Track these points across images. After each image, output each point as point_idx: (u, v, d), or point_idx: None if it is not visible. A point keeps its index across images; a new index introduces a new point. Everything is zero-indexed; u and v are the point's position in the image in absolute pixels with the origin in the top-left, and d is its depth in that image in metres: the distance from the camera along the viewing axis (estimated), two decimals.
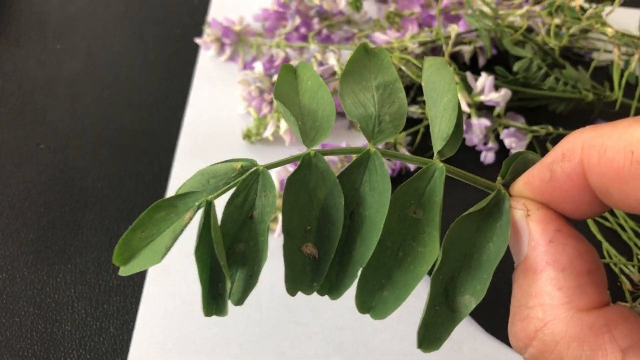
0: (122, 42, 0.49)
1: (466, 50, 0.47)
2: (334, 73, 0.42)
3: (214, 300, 0.23)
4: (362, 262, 0.24)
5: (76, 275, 0.36)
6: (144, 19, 0.51)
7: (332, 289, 0.24)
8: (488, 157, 0.43)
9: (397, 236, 0.24)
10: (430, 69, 0.27)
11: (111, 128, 0.43)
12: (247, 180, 0.24)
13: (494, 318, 0.35)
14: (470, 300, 0.23)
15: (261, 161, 0.41)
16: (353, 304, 0.23)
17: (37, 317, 0.34)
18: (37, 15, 0.50)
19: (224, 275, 0.23)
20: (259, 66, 0.44)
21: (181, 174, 0.40)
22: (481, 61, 0.48)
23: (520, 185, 0.24)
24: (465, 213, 0.24)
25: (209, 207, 0.23)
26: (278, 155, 0.41)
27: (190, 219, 0.23)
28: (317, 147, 0.25)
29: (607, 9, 0.46)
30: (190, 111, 0.44)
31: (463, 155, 0.43)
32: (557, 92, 0.44)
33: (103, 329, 0.34)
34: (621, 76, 0.45)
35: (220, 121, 0.44)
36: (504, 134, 0.41)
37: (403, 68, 0.42)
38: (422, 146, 0.43)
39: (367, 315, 0.24)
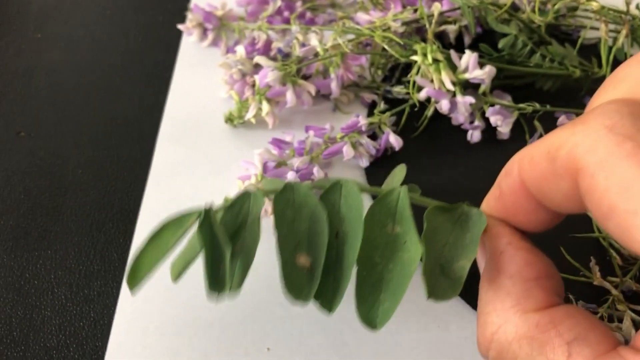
0: (104, 30, 0.48)
1: (451, 29, 0.46)
2: (317, 54, 0.41)
3: (216, 282, 0.27)
4: (351, 264, 0.27)
5: (56, 261, 0.35)
6: (126, 7, 0.50)
7: (330, 299, 0.28)
8: (474, 136, 0.42)
9: (384, 251, 0.28)
10: None
11: (92, 115, 0.43)
12: (241, 198, 0.29)
13: None
14: (465, 264, 0.26)
15: (244, 147, 0.41)
16: None
17: (17, 303, 0.33)
18: (18, 5, 0.49)
19: (224, 259, 0.27)
20: (240, 49, 0.43)
21: (163, 159, 0.40)
22: (467, 40, 0.47)
23: (483, 204, 0.28)
24: (435, 205, 0.28)
25: (209, 210, 0.28)
26: (261, 139, 0.41)
27: (192, 224, 0.28)
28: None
29: None
30: (172, 97, 0.44)
31: (449, 135, 0.43)
32: (544, 68, 0.44)
33: (83, 314, 0.33)
34: (609, 52, 0.45)
35: (202, 106, 0.43)
36: (489, 112, 0.41)
37: (386, 47, 0.41)
38: (407, 126, 0.42)
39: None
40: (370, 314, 0.27)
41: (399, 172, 0.37)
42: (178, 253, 0.29)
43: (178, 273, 0.29)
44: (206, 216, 0.28)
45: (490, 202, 0.27)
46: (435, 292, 0.25)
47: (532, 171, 0.24)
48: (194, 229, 0.28)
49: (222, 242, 0.27)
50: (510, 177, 0.25)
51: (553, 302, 0.24)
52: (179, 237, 0.28)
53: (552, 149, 0.22)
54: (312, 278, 0.28)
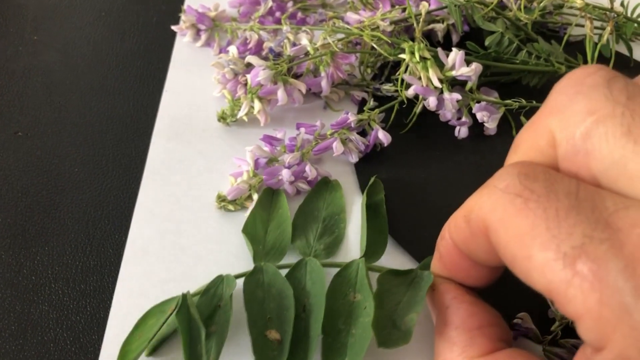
0: (99, 32, 0.49)
1: (439, 28, 0.47)
2: (307, 53, 0.42)
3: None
4: (317, 334, 0.30)
5: (53, 257, 0.36)
6: (121, 9, 0.51)
7: None
8: (462, 131, 0.43)
9: (347, 318, 0.31)
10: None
11: (88, 115, 0.44)
12: (214, 282, 0.33)
13: None
14: (414, 316, 0.29)
15: (237, 144, 0.42)
16: None
17: (14, 299, 0.34)
18: (15, 7, 0.50)
19: (200, 339, 0.29)
20: (233, 49, 0.44)
21: (157, 157, 0.41)
22: (454, 38, 0.48)
23: (431, 266, 0.30)
24: (388, 270, 0.32)
25: (185, 296, 0.31)
26: (253, 136, 0.42)
27: (172, 311, 0.31)
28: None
29: None
30: (166, 96, 0.45)
31: (437, 131, 0.44)
32: (530, 65, 0.45)
33: (80, 308, 0.34)
34: (594, 49, 0.45)
35: (195, 105, 0.44)
36: (476, 108, 0.42)
37: (375, 46, 0.42)
38: (396, 122, 0.43)
39: None
40: None
41: (375, 185, 0.39)
42: (134, 345, 0.31)
43: (153, 348, 0.32)
44: (183, 302, 0.31)
45: (435, 264, 0.30)
46: (387, 342, 0.28)
47: (457, 234, 0.26)
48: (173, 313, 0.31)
49: (198, 324, 0.29)
50: (444, 240, 0.28)
51: (496, 347, 0.26)
52: (161, 323, 0.31)
53: (467, 212, 0.25)
54: (282, 351, 0.30)
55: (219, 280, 0.33)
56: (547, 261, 0.20)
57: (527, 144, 0.25)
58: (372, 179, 0.39)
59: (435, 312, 0.29)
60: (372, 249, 0.35)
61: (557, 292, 0.20)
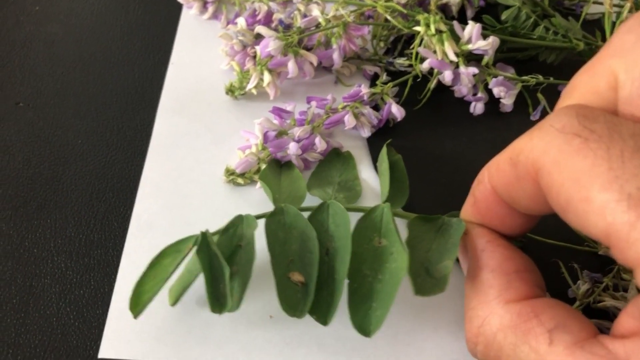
0: (103, 3, 0.48)
1: (453, 2, 0.46)
2: (318, 25, 0.41)
3: (217, 300, 0.28)
4: (342, 278, 0.29)
5: (56, 229, 0.35)
6: None
7: (324, 313, 0.29)
8: (477, 107, 0.42)
9: (372, 264, 0.29)
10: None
11: (92, 86, 0.42)
12: (233, 221, 0.32)
13: None
14: (448, 263, 0.28)
15: (245, 118, 0.41)
16: None
17: (16, 271, 0.33)
18: None
19: (223, 279, 0.28)
20: (241, 20, 0.43)
21: (163, 130, 0.40)
22: (469, 14, 0.47)
23: (461, 212, 0.30)
24: (416, 216, 0.31)
25: (205, 234, 0.30)
26: (262, 110, 0.40)
27: (189, 249, 0.30)
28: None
29: None
30: (172, 69, 0.43)
31: (451, 107, 0.42)
32: (547, 41, 0.43)
33: (83, 282, 0.33)
34: (613, 26, 0.44)
35: (202, 78, 0.43)
36: (492, 83, 0.40)
37: (389, 18, 0.41)
38: (410, 98, 0.42)
39: None
40: (364, 322, 0.28)
41: (384, 150, 0.37)
42: (175, 279, 0.31)
43: (176, 298, 0.31)
44: (203, 239, 0.30)
45: (467, 210, 0.29)
46: (422, 289, 0.27)
47: (499, 177, 0.25)
48: (191, 254, 0.30)
49: (221, 262, 0.29)
50: (482, 185, 0.27)
51: (534, 293, 0.25)
52: (178, 262, 0.30)
53: (514, 155, 0.24)
54: (306, 294, 0.29)
55: (239, 220, 0.32)
56: (608, 202, 0.19)
57: (584, 87, 0.24)
58: (386, 143, 0.37)
59: (466, 257, 0.28)
60: (394, 197, 0.34)
61: (618, 236, 0.19)
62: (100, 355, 0.30)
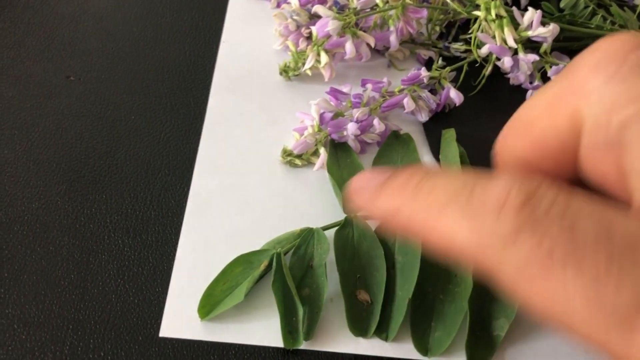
0: None
1: None
2: (374, 7, 0.40)
3: (290, 335, 0.29)
4: (407, 295, 0.29)
5: (111, 205, 0.34)
6: None
7: (386, 330, 0.29)
8: None
9: (435, 282, 0.30)
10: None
11: (142, 62, 0.41)
12: (305, 237, 0.32)
13: None
14: (505, 322, 0.29)
15: (298, 99, 0.40)
16: None
17: (73, 247, 0.32)
18: None
19: (296, 311, 0.29)
20: (295, 0, 0.42)
21: (217, 109, 0.39)
22: (523, 1, 0.46)
23: None
24: None
25: (280, 257, 0.30)
26: (316, 92, 0.40)
27: (266, 267, 0.30)
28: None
29: None
30: (223, 47, 0.43)
31: (506, 95, 0.42)
32: (605, 30, 0.43)
33: (142, 259, 0.32)
34: None
35: (254, 57, 0.42)
36: (551, 71, 0.40)
37: (448, 1, 0.40)
38: (465, 84, 0.41)
39: None
40: (422, 341, 0.29)
41: (450, 136, 0.37)
42: (218, 289, 0.31)
43: (206, 314, 0.30)
44: (278, 265, 0.30)
45: None
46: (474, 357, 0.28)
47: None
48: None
49: (295, 299, 0.29)
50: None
51: None
52: (249, 275, 0.30)
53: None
54: (372, 314, 0.30)
55: (309, 235, 0.32)
56: None
57: (543, 125, 0.21)
58: (446, 130, 0.37)
59: None
60: None
61: None
62: (161, 334, 0.30)
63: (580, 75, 0.19)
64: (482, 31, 0.39)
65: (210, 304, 0.30)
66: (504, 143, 0.23)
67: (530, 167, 0.22)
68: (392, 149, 0.37)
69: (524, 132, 0.22)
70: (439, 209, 0.19)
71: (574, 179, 0.21)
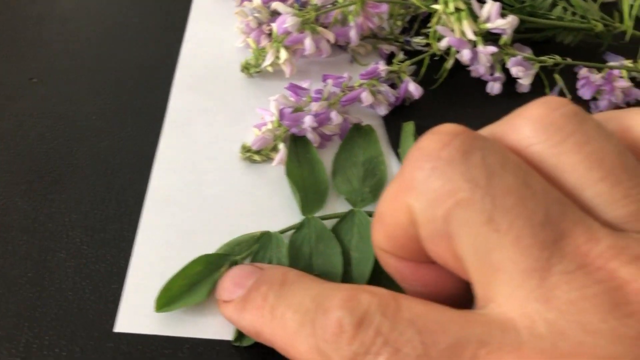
0: None
1: None
2: (335, 2, 0.41)
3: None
4: None
5: (71, 204, 0.34)
6: None
7: None
8: (495, 88, 0.41)
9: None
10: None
11: (106, 63, 0.42)
12: (263, 242, 0.32)
13: None
14: None
15: (260, 96, 0.40)
16: None
17: (31, 245, 0.33)
18: None
19: None
20: None
21: (178, 107, 0.39)
22: None
23: None
24: None
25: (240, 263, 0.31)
26: (277, 88, 0.40)
27: (226, 270, 0.30)
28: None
29: None
30: (186, 46, 0.43)
31: (468, 88, 0.42)
32: (565, 21, 0.43)
33: (99, 257, 0.33)
34: (630, 8, 0.44)
35: (217, 55, 0.42)
36: (510, 63, 0.40)
37: None
38: (426, 79, 0.41)
39: None
40: None
41: (409, 129, 0.37)
42: (177, 283, 0.30)
43: (162, 305, 0.30)
44: None
45: None
46: None
47: None
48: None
49: None
50: None
51: None
52: (211, 277, 0.30)
53: None
54: None
55: (267, 240, 0.32)
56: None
57: (390, 219, 0.23)
58: (406, 123, 0.38)
59: None
60: None
61: None
62: (116, 329, 0.30)
63: (407, 170, 0.21)
64: (442, 24, 0.40)
65: (167, 297, 0.30)
66: (372, 235, 0.25)
67: (396, 256, 0.24)
68: (354, 142, 0.37)
69: (379, 226, 0.24)
70: (293, 335, 0.22)
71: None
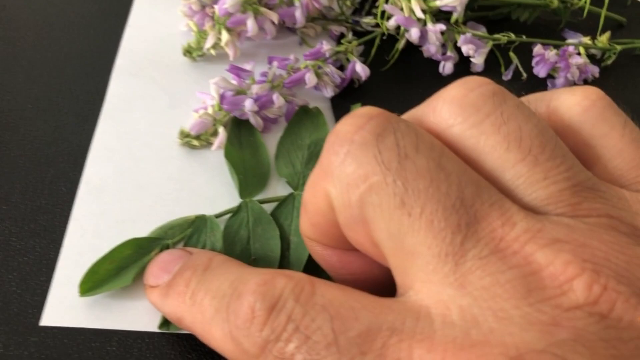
0: None
1: None
2: None
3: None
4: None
5: (1, 195, 0.33)
6: None
7: None
8: (446, 67, 0.40)
9: None
10: None
11: (44, 51, 0.40)
12: (197, 226, 0.31)
13: None
14: None
15: (203, 80, 0.39)
16: None
17: None
18: None
19: None
20: None
21: (117, 94, 0.38)
22: None
23: None
24: None
25: (169, 247, 0.30)
26: (222, 72, 0.38)
27: (157, 254, 0.29)
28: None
29: None
30: (129, 31, 0.42)
31: (420, 68, 0.41)
32: None
33: (28, 249, 0.31)
34: None
35: (160, 40, 0.41)
36: (461, 41, 0.39)
37: None
38: (377, 60, 0.40)
39: None
40: None
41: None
42: (103, 267, 0.29)
43: (87, 290, 0.29)
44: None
45: None
46: None
47: None
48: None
49: None
50: None
51: None
52: (141, 260, 0.29)
53: None
54: None
55: (201, 224, 0.31)
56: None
57: (311, 207, 0.22)
58: (354, 105, 0.36)
59: None
60: None
61: None
62: (42, 323, 0.29)
63: (324, 155, 0.20)
64: (391, 3, 0.38)
65: (92, 281, 0.29)
66: (300, 224, 0.24)
67: (322, 244, 0.24)
68: (301, 124, 0.36)
69: (304, 214, 0.23)
70: (209, 322, 0.22)
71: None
